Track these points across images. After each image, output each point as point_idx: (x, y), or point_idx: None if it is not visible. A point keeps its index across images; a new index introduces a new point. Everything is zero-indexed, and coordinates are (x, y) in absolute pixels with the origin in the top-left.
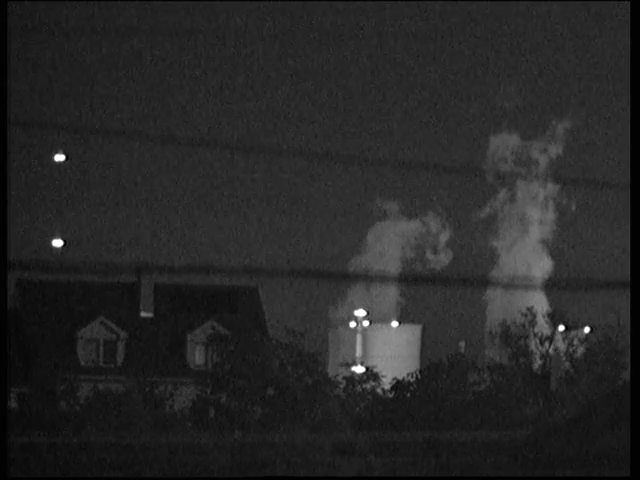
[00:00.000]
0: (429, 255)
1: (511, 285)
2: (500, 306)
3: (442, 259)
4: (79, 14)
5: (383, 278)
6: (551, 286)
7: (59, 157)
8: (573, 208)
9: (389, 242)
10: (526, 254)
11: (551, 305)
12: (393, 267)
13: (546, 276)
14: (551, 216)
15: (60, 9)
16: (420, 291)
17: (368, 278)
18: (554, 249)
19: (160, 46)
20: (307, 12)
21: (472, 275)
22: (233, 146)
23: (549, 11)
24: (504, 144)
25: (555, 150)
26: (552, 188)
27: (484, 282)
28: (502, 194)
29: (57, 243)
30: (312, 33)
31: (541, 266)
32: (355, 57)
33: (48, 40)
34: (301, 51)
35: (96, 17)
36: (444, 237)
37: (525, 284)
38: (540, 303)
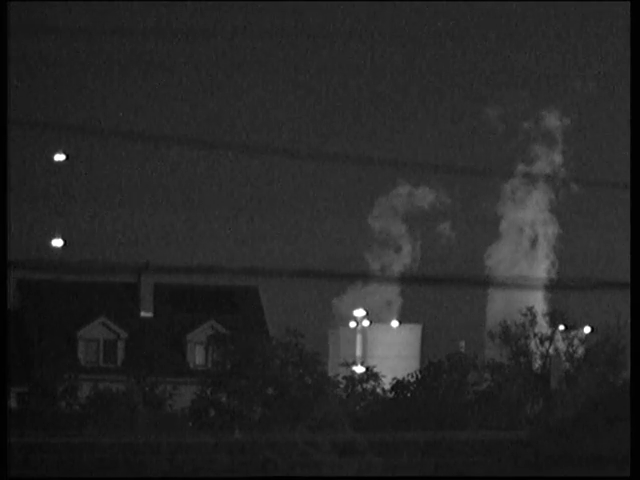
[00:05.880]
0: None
1: (511, 285)
2: (500, 306)
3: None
4: (79, 14)
5: (383, 278)
6: (551, 286)
7: (59, 157)
8: (574, 207)
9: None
10: (526, 254)
11: (551, 305)
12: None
13: (546, 276)
14: (552, 215)
15: (60, 9)
16: (420, 291)
17: (368, 278)
18: (554, 249)
19: (160, 46)
20: (306, 12)
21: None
22: (233, 146)
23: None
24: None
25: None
26: (552, 188)
27: (484, 282)
28: (501, 194)
29: (57, 243)
30: (312, 32)
31: (541, 266)
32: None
33: (48, 40)
34: (302, 50)
35: (96, 17)
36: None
37: (525, 284)
38: (540, 303)
